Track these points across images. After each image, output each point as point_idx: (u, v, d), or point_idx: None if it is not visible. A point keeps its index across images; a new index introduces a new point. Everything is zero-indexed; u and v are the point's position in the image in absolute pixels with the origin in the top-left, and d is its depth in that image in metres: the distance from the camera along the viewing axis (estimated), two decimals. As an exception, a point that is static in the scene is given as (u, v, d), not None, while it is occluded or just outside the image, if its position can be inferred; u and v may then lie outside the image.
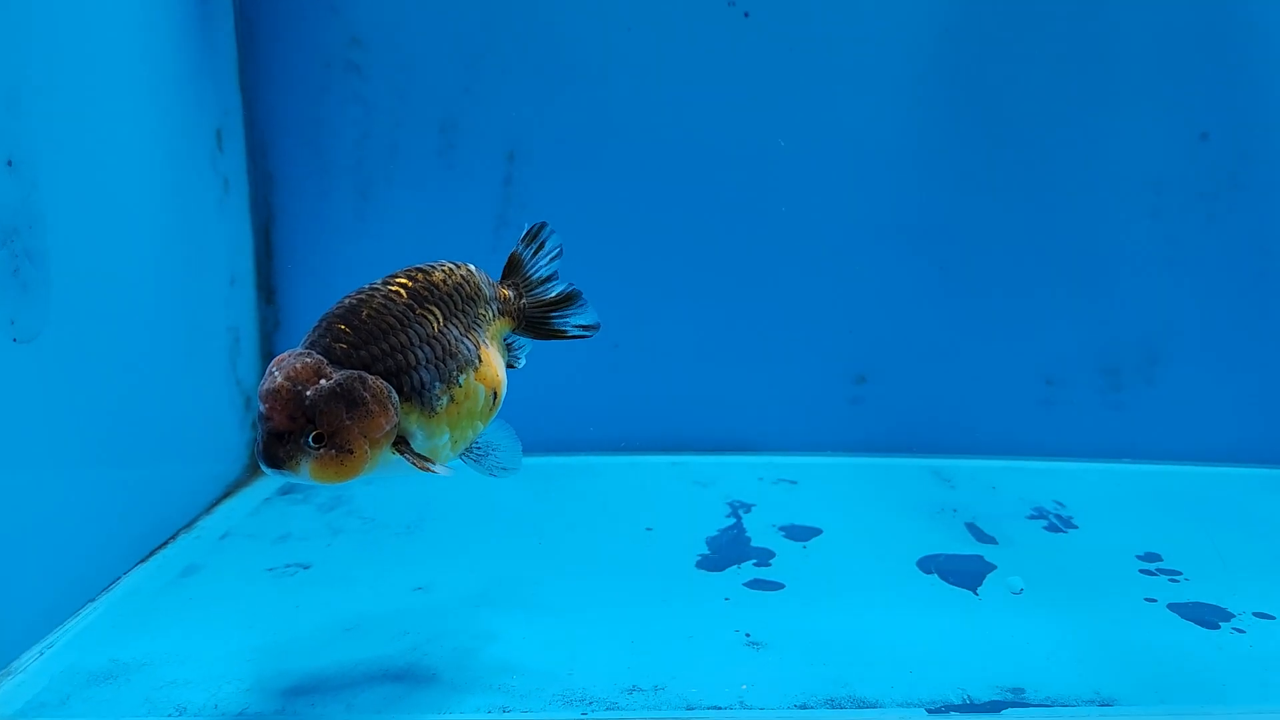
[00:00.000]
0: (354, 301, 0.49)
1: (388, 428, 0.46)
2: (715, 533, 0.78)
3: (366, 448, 0.45)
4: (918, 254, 0.95)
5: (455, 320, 0.51)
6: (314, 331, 0.48)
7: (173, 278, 0.77)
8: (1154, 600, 0.65)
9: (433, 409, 0.49)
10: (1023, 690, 0.53)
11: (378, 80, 0.91)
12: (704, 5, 0.91)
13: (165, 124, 0.76)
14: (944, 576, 0.69)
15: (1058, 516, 0.81)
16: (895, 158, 0.94)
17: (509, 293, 0.58)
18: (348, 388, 0.45)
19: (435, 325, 0.50)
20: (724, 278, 0.97)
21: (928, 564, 0.71)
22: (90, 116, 0.65)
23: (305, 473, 0.45)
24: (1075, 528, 0.79)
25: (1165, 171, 0.93)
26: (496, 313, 0.56)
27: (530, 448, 1.03)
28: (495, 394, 0.54)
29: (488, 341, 0.54)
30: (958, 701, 0.52)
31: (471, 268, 0.55)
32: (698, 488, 0.89)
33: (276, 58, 0.89)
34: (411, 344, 0.48)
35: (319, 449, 0.44)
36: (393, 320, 0.48)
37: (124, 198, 0.70)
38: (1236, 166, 0.93)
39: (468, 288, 0.53)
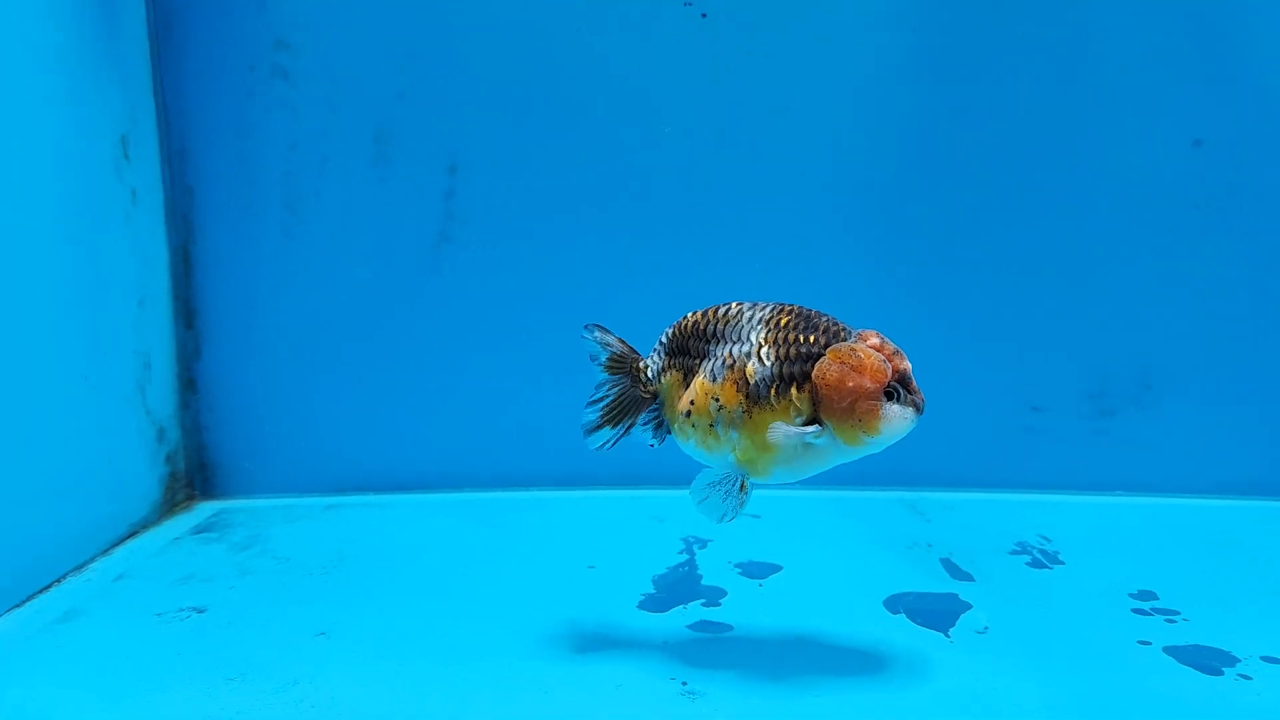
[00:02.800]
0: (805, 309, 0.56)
1: None
2: (664, 570, 0.70)
3: None
4: (895, 274, 0.89)
5: None
6: (818, 317, 0.55)
7: (69, 297, 0.71)
8: (1148, 643, 0.57)
9: None
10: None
11: (306, 86, 0.85)
12: (659, 6, 0.86)
13: (57, 128, 0.70)
14: (912, 617, 0.61)
15: (1042, 551, 0.74)
16: (872, 174, 0.88)
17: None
18: None
19: None
20: (687, 298, 0.90)
21: (895, 603, 0.64)
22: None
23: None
24: (1061, 563, 0.71)
25: (1157, 181, 0.87)
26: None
27: (480, 482, 0.98)
28: None
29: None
30: None
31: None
32: (654, 523, 0.81)
33: (195, 60, 0.83)
34: None
35: None
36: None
37: (7, 209, 0.64)
38: (1231, 174, 0.86)
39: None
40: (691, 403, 0.55)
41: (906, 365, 0.52)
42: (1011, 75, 0.87)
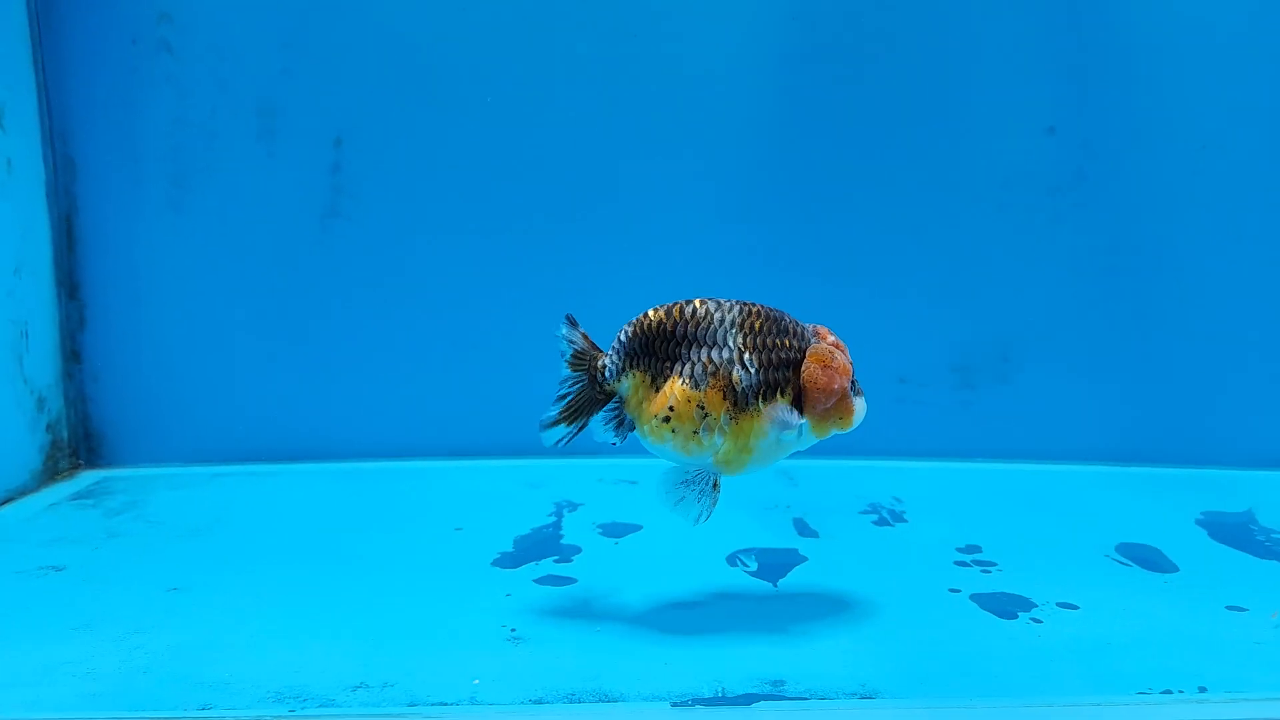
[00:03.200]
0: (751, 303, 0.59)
1: None
2: (528, 531, 0.73)
3: None
4: (769, 253, 0.92)
5: None
6: (780, 315, 0.58)
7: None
8: (958, 590, 0.61)
9: None
10: (783, 683, 0.49)
11: (191, 59, 0.86)
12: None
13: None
14: (748, 569, 0.65)
15: (890, 512, 0.78)
16: (742, 151, 0.91)
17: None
18: None
19: None
20: (566, 274, 0.92)
21: (737, 558, 0.67)
22: None
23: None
24: (905, 521, 0.75)
25: (1013, 167, 0.92)
26: None
27: (363, 453, 1.00)
28: None
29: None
30: (709, 694, 0.48)
31: None
32: (528, 489, 0.84)
33: (76, 32, 0.84)
34: None
35: None
36: None
37: None
38: (1083, 160, 0.91)
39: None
40: (671, 408, 0.56)
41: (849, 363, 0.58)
42: (877, 65, 0.90)
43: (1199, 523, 0.76)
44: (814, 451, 0.94)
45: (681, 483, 0.57)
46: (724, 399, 0.55)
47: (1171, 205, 0.91)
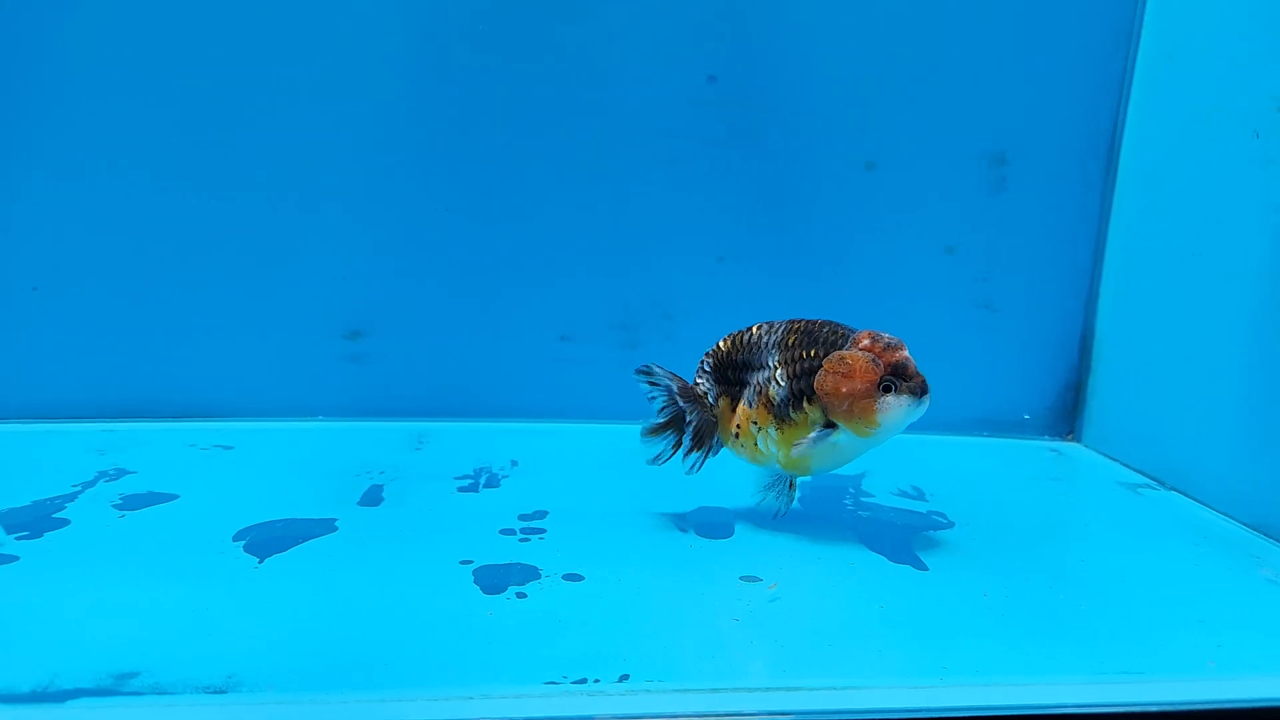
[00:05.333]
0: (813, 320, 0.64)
1: None
2: (24, 504, 0.64)
3: None
4: (437, 216, 0.86)
5: None
6: (821, 327, 0.62)
7: None
8: (469, 563, 0.57)
9: None
10: (137, 674, 0.44)
11: None
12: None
13: None
14: (248, 548, 0.58)
15: (490, 474, 0.74)
16: (398, 103, 0.84)
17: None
18: None
19: None
20: (187, 209, 0.84)
21: (255, 532, 0.61)
22: None
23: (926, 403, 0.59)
24: (496, 486, 0.72)
25: (676, 117, 0.87)
26: None
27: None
28: None
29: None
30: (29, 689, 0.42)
31: None
32: (94, 455, 0.76)
33: None
34: None
35: None
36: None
37: None
38: (744, 114, 0.88)
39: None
40: (738, 426, 0.64)
41: (899, 356, 0.59)
42: (535, 29, 0.84)
43: (803, 484, 0.75)
44: (462, 412, 0.92)
45: (766, 486, 0.65)
46: (769, 413, 0.62)
47: (826, 158, 0.88)
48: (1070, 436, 0.93)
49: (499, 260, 0.89)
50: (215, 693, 0.42)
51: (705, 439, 0.65)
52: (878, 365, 0.58)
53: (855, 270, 0.91)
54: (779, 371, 0.62)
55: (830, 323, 0.63)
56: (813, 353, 0.61)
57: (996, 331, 0.92)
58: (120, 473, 0.72)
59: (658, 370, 0.65)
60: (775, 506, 0.65)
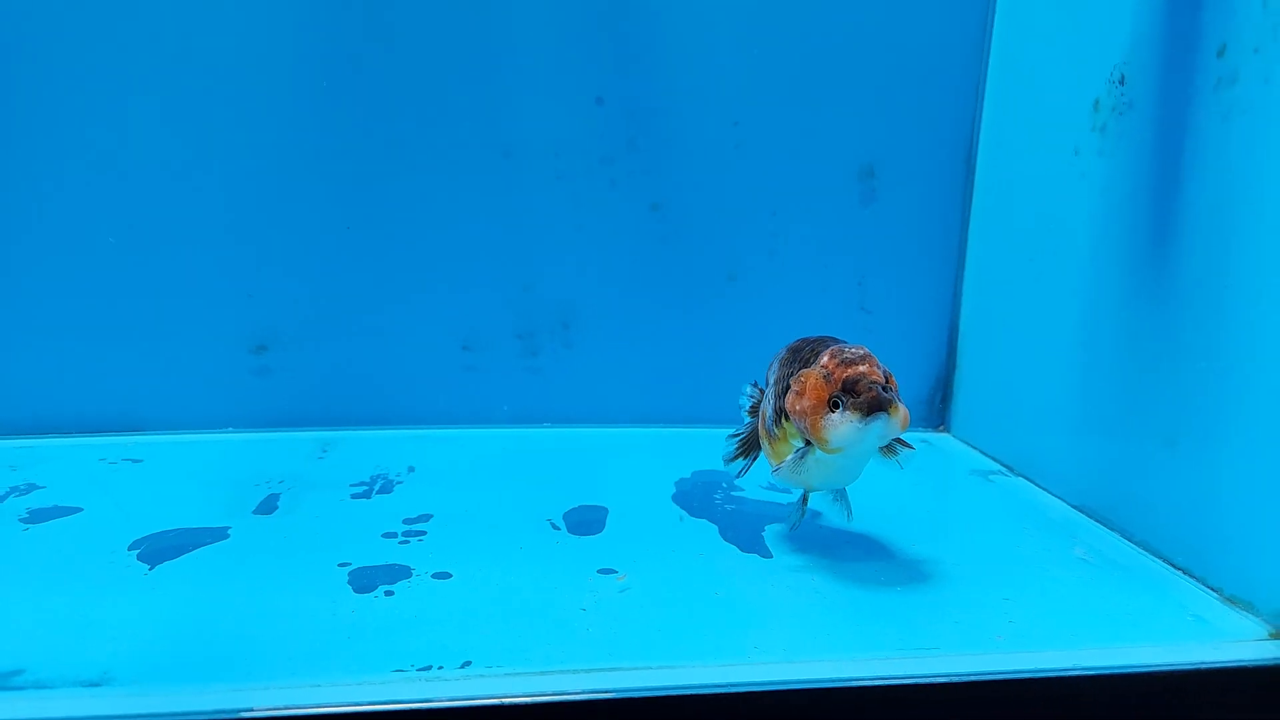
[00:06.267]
0: (823, 337, 0.63)
1: None
2: None
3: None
4: (320, 221, 0.90)
5: None
6: (814, 344, 0.61)
7: None
8: (346, 565, 0.62)
9: None
10: (21, 671, 0.48)
11: None
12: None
13: None
14: (141, 556, 0.63)
15: (386, 480, 0.79)
16: (291, 105, 0.88)
17: None
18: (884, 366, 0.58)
19: None
20: (93, 226, 0.87)
21: (150, 541, 0.65)
22: None
23: (898, 419, 0.56)
24: (388, 492, 0.77)
25: (565, 136, 0.93)
26: None
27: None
28: None
29: None
30: None
31: None
32: (6, 471, 0.79)
33: None
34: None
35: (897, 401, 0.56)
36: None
37: None
38: (632, 130, 0.93)
39: None
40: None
41: (851, 372, 0.56)
42: (425, 31, 0.89)
43: (683, 481, 0.81)
44: (370, 420, 0.97)
45: (791, 503, 0.68)
46: (764, 431, 0.65)
47: (711, 174, 0.94)
48: (941, 428, 1.00)
49: (401, 274, 0.93)
50: (90, 686, 0.47)
51: (751, 447, 0.69)
52: (829, 381, 0.56)
53: (746, 278, 0.96)
54: (770, 390, 0.64)
55: (825, 339, 0.62)
56: (794, 370, 0.61)
57: (873, 332, 0.98)
58: (31, 487, 0.76)
59: (757, 384, 0.70)
60: (792, 521, 0.67)
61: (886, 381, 0.57)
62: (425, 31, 0.89)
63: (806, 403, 0.57)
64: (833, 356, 0.57)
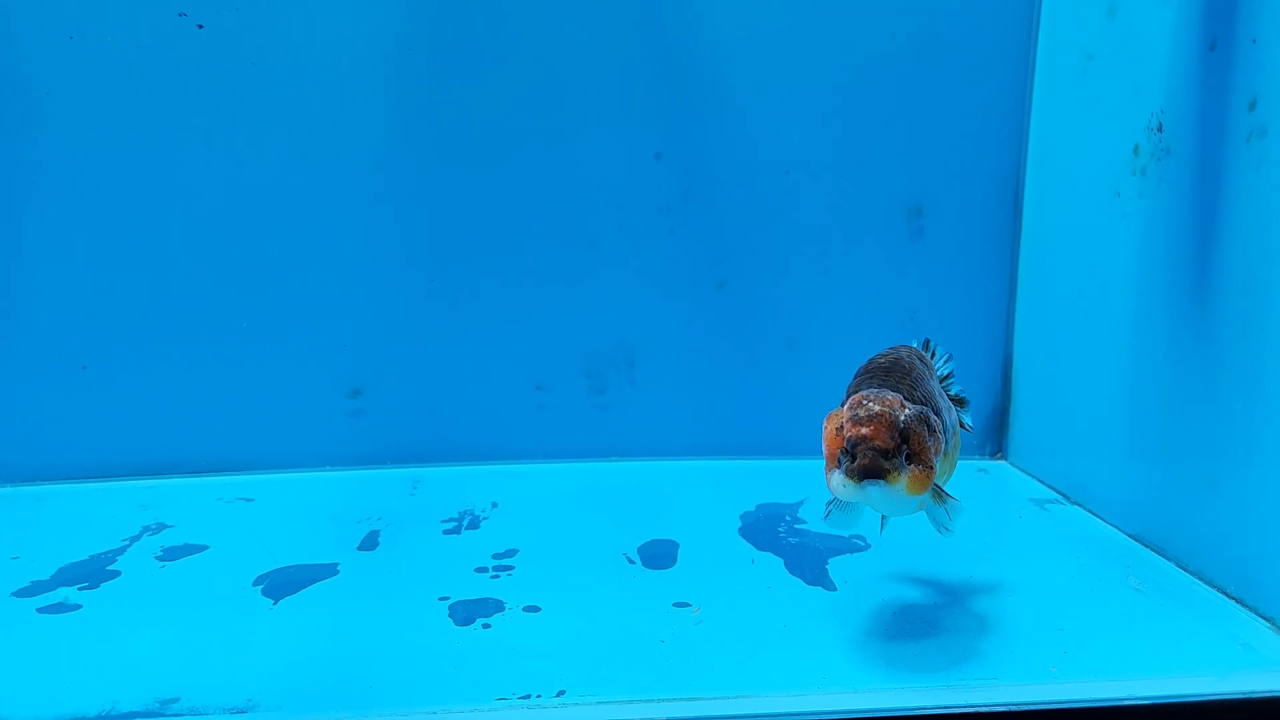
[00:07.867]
0: (887, 361, 0.61)
1: (937, 455, 0.56)
2: (83, 559, 0.76)
3: (935, 468, 0.55)
4: (413, 269, 0.98)
5: (934, 384, 0.63)
6: (865, 378, 0.59)
7: None
8: (446, 599, 0.68)
9: (944, 449, 0.59)
10: (178, 699, 0.56)
11: None
12: (153, 16, 0.91)
13: None
14: (265, 591, 0.70)
15: (473, 516, 0.86)
16: (379, 171, 0.96)
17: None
18: (925, 416, 0.55)
19: (933, 385, 0.62)
20: (211, 291, 0.96)
21: (271, 577, 0.72)
22: None
23: (900, 485, 0.53)
24: (476, 529, 0.83)
25: (626, 188, 0.99)
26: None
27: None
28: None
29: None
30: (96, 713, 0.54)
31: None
32: (138, 510, 0.88)
33: None
34: (933, 394, 0.60)
35: (911, 466, 0.54)
36: (919, 375, 0.60)
37: None
38: (689, 182, 0.99)
39: (929, 364, 0.66)
40: None
41: (856, 433, 0.53)
42: (497, 91, 0.96)
43: (748, 514, 0.86)
44: (453, 457, 1.04)
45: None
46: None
47: (765, 222, 1.00)
48: (999, 455, 1.04)
49: (478, 322, 1.00)
50: (238, 713, 0.54)
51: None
52: (841, 434, 0.55)
53: (801, 317, 1.02)
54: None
55: (878, 369, 0.60)
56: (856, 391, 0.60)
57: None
58: (160, 526, 0.84)
59: None
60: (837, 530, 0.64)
61: (904, 442, 0.54)
62: (502, 96, 0.96)
63: (825, 449, 0.57)
64: (851, 408, 0.55)
